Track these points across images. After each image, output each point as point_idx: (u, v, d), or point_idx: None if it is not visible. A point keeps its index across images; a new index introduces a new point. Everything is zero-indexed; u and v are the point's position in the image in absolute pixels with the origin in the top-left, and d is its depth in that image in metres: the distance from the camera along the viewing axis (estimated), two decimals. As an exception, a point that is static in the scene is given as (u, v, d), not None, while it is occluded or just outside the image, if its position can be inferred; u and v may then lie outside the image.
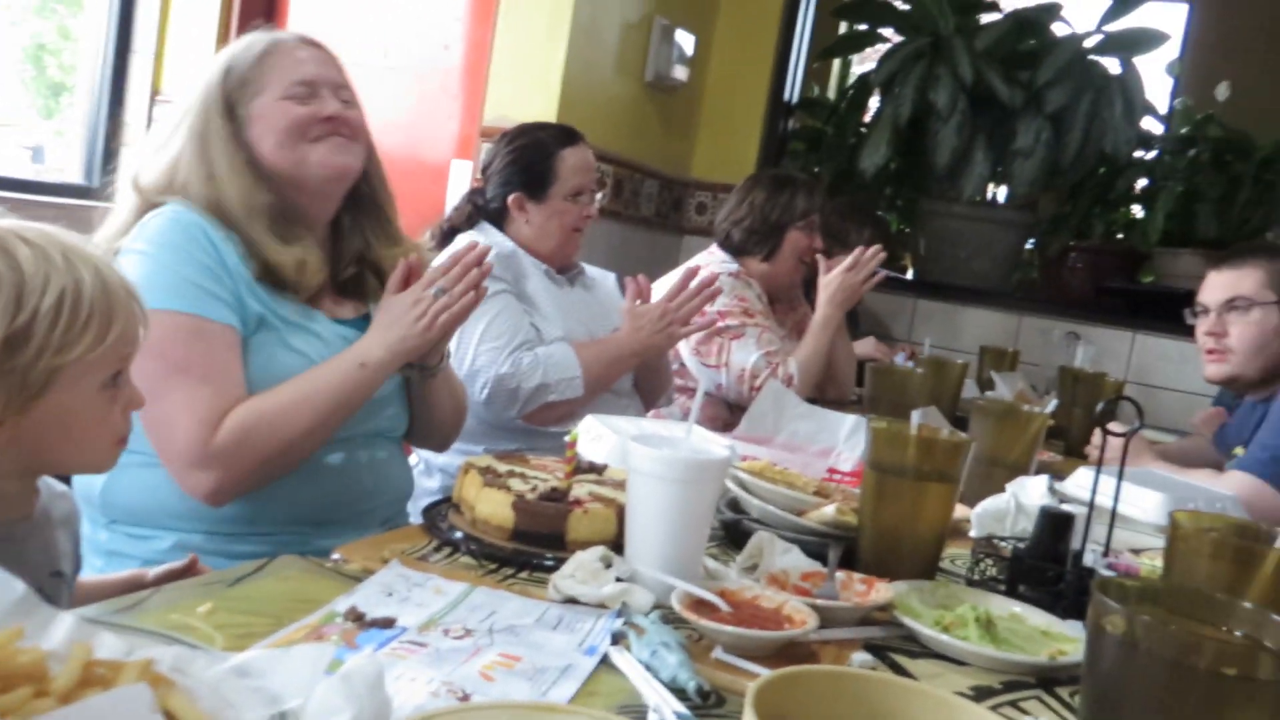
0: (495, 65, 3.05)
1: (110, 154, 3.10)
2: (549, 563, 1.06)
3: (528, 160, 2.10)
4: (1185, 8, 5.25)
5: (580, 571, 1.00)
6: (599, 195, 2.16)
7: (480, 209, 2.14)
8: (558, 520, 1.12)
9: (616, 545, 1.07)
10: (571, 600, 0.98)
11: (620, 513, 1.10)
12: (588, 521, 1.12)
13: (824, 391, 2.67)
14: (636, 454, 1.01)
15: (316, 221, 1.47)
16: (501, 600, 0.97)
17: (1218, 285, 2.16)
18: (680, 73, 3.65)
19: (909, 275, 4.47)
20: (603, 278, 2.30)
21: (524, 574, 1.06)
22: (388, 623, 0.88)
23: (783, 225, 2.55)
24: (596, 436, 1.51)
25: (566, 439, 1.23)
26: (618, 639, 0.91)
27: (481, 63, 3.05)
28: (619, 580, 1.00)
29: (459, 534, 1.12)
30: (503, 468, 1.25)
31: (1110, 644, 0.62)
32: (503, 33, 3.03)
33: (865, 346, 3.09)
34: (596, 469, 1.32)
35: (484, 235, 2.06)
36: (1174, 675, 0.59)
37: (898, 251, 4.77)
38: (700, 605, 0.95)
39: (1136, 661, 0.61)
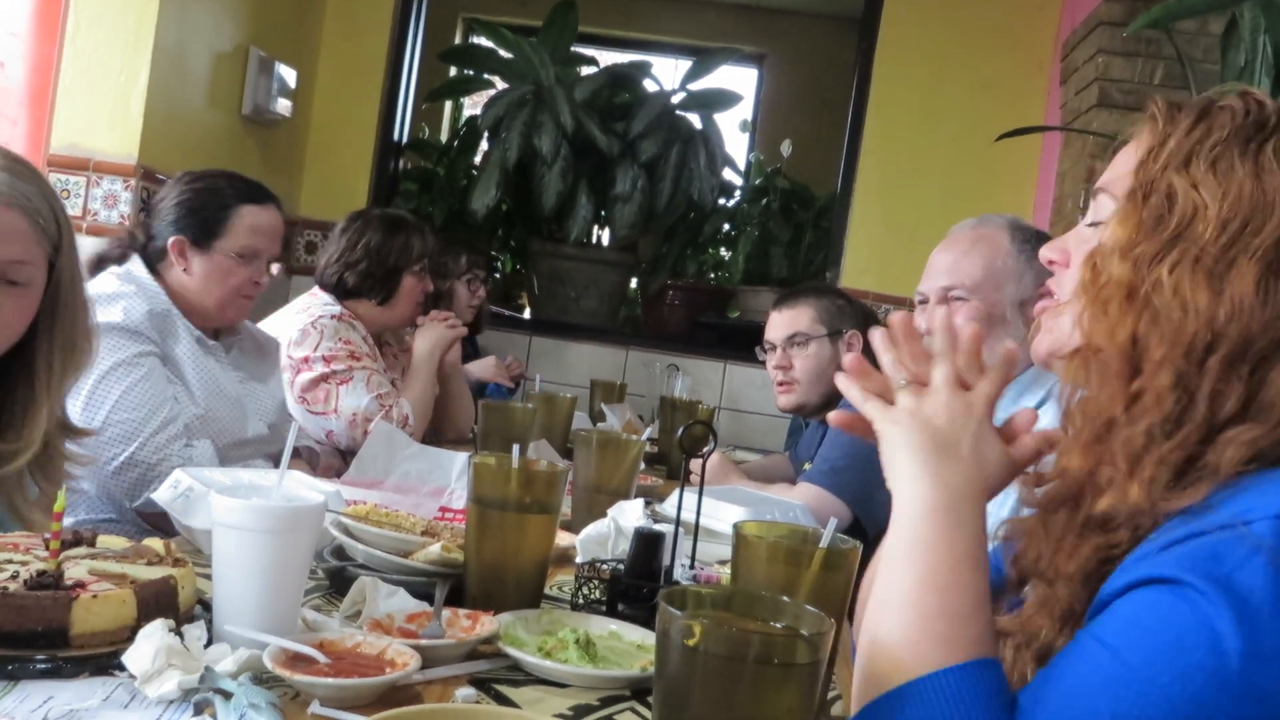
0: (64, 89, 2.76)
1: None
2: (42, 666, 0.88)
3: (201, 203, 1.90)
4: (755, 72, 5.90)
5: (160, 657, 0.89)
6: (275, 266, 1.98)
7: (136, 245, 1.91)
8: (58, 611, 0.91)
9: (134, 631, 0.92)
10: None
11: (138, 591, 0.96)
12: (99, 608, 0.92)
13: (442, 433, 2.67)
14: (220, 506, 0.95)
15: None
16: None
17: (779, 324, 2.44)
18: (282, 107, 3.51)
19: (525, 313, 4.61)
20: (266, 344, 2.12)
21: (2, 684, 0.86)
22: None
23: (399, 269, 2.51)
24: (187, 490, 1.40)
25: (55, 507, 1.00)
26: (202, 708, 0.85)
27: (45, 85, 2.74)
28: (207, 646, 0.93)
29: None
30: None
31: (674, 648, 0.68)
32: (71, 54, 2.75)
33: (485, 368, 3.14)
34: (84, 539, 1.10)
35: (134, 282, 1.84)
36: (728, 669, 0.66)
37: (513, 291, 4.90)
38: (296, 660, 0.91)
39: (696, 661, 0.67)
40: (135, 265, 1.88)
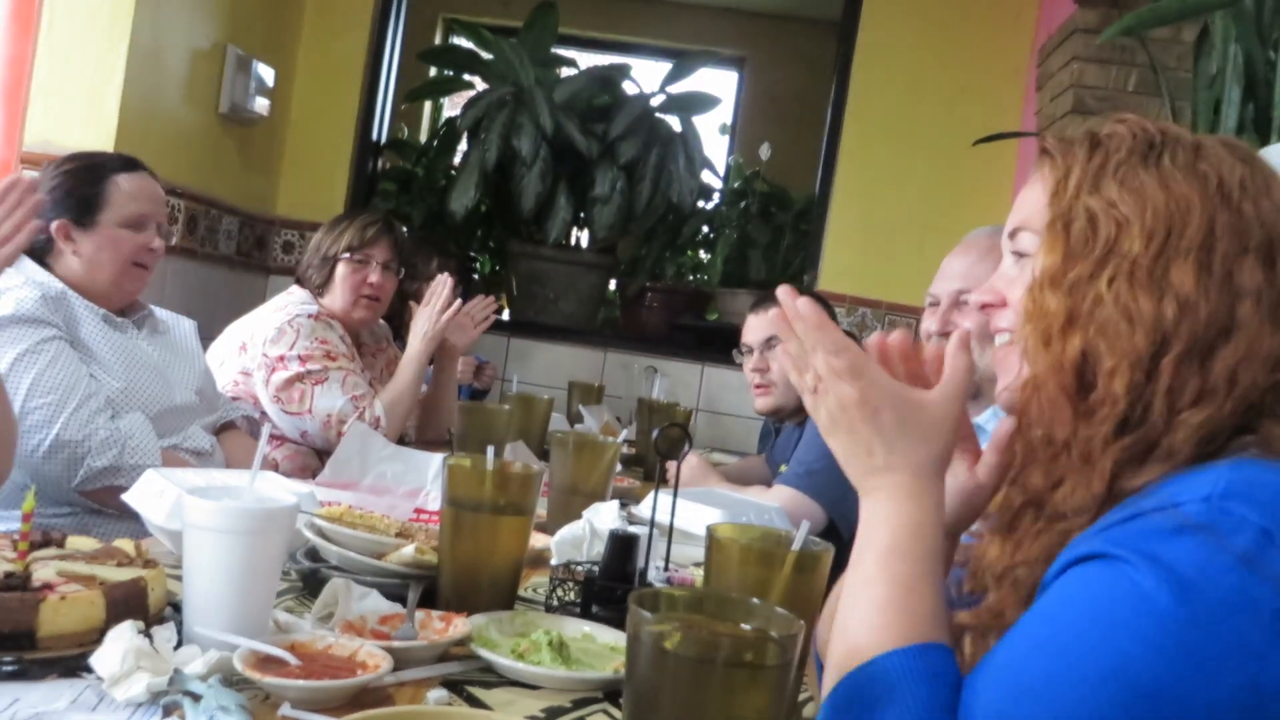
0: (38, 84, 2.73)
1: None
2: (9, 668, 0.88)
3: (74, 183, 1.88)
4: (735, 75, 5.92)
5: (128, 658, 0.88)
6: (173, 232, 2.00)
7: None
8: (25, 613, 0.90)
9: (103, 633, 0.92)
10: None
11: (107, 592, 0.96)
12: (67, 610, 0.92)
13: (425, 431, 2.65)
14: (191, 507, 0.94)
15: None
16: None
17: (756, 327, 2.45)
18: (260, 105, 3.49)
19: (504, 315, 4.60)
20: (176, 323, 2.11)
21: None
22: None
23: (331, 257, 2.51)
24: (159, 492, 1.39)
25: (23, 507, 0.99)
26: (171, 710, 0.84)
27: (20, 82, 2.71)
28: (177, 648, 0.93)
29: None
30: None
31: (644, 650, 0.68)
32: (46, 49, 2.72)
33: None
34: (54, 540, 1.11)
35: (22, 274, 1.83)
36: (697, 671, 0.67)
37: (492, 292, 4.89)
38: (267, 662, 0.90)
39: (666, 663, 0.68)
40: (21, 262, 1.86)
